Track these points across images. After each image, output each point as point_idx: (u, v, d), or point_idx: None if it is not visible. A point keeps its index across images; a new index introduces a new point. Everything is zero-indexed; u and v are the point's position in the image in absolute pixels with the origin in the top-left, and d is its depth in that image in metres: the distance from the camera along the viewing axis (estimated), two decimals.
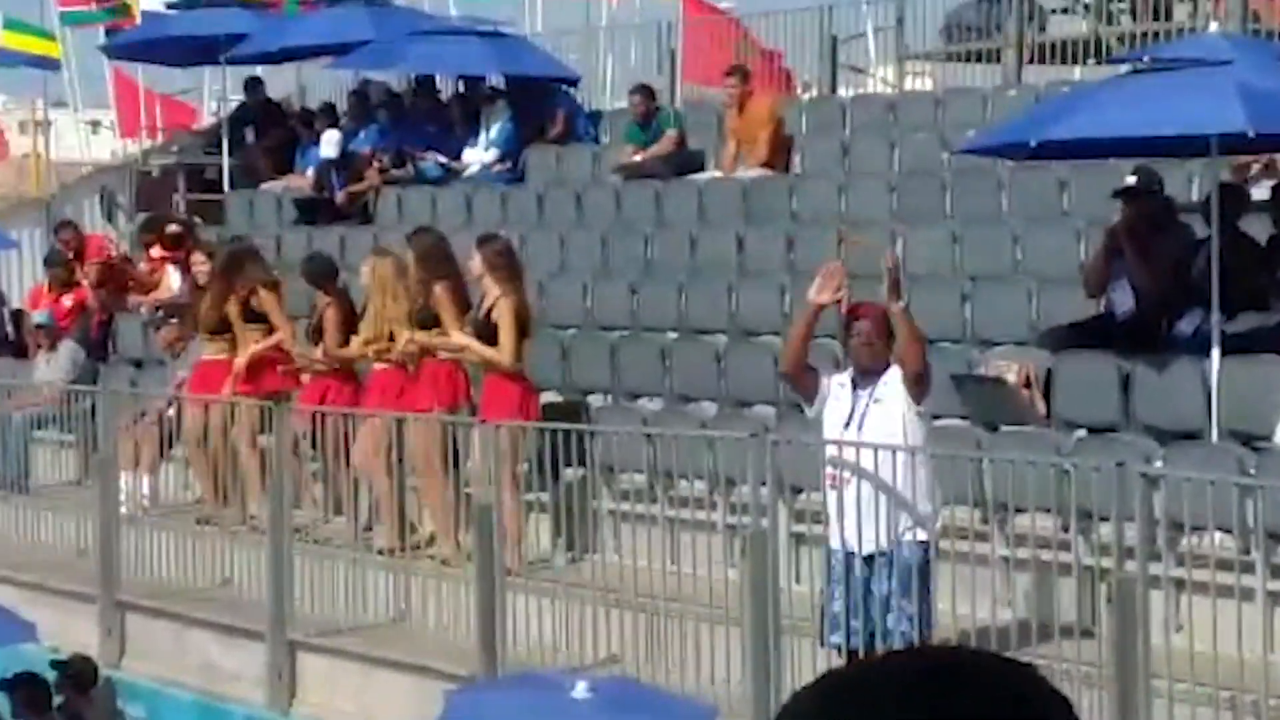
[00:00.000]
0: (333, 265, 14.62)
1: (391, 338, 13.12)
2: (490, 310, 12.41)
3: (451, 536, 12.44)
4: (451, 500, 12.49)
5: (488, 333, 12.38)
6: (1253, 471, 9.69)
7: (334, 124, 20.20)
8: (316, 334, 13.89)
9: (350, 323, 13.67)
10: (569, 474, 11.94)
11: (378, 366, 13.38)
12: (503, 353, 12.27)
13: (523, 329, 12.41)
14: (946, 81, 19.50)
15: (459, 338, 12.54)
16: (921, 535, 9.41)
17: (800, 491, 11.17)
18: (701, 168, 17.65)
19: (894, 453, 9.43)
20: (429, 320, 12.85)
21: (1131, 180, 11.94)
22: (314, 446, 13.36)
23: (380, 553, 12.67)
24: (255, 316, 14.46)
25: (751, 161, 16.95)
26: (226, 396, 14.19)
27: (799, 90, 20.06)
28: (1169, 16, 18.00)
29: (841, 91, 19.79)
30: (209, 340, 14.71)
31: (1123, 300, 11.54)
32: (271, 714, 12.40)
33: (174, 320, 16.17)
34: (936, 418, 11.73)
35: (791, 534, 11.13)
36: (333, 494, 13.44)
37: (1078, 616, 9.62)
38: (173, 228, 18.14)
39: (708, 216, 16.39)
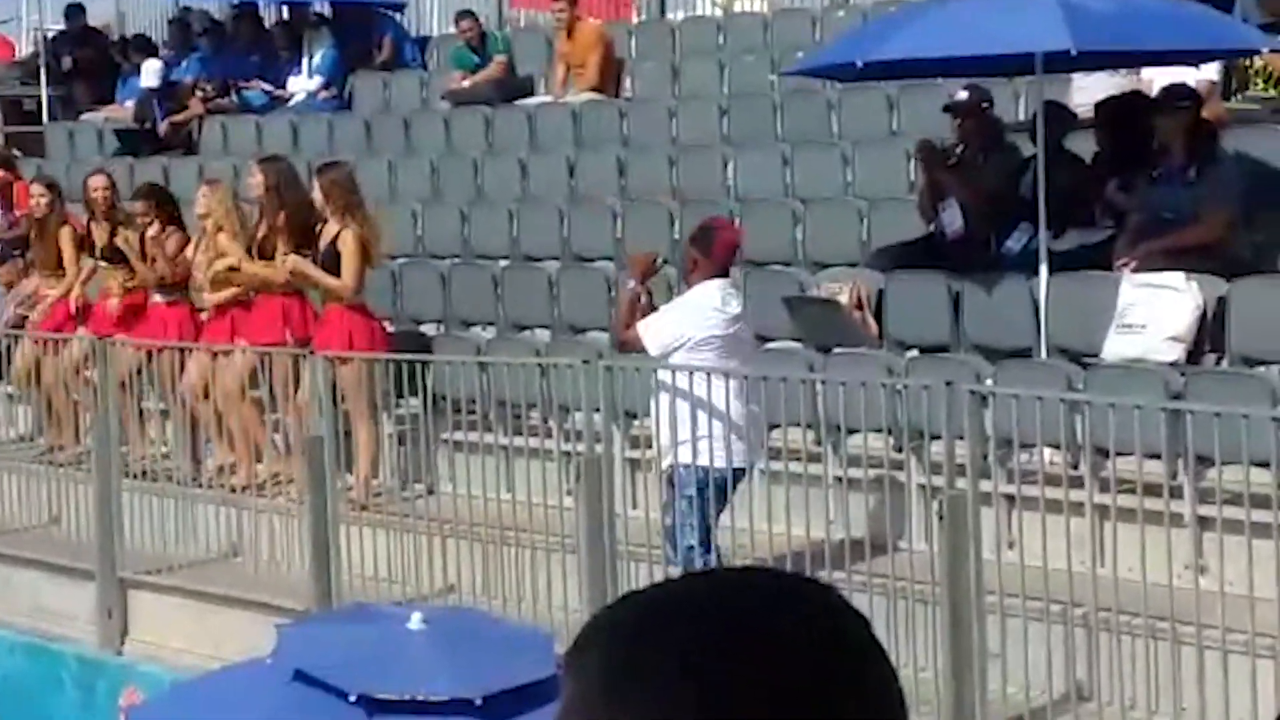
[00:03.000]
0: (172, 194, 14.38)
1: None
2: (334, 239, 12.24)
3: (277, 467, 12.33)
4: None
5: (330, 262, 12.21)
6: (1080, 388, 9.80)
7: (154, 53, 19.80)
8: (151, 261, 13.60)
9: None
10: (403, 405, 11.84)
11: (210, 297, 13.13)
12: (345, 281, 12.10)
13: (365, 259, 12.27)
14: (774, 3, 19.46)
15: (305, 266, 12.28)
16: (698, 459, 9.51)
17: (635, 417, 11.15)
18: (531, 93, 17.51)
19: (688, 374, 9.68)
20: (270, 251, 12.65)
21: (964, 95, 12.00)
22: (151, 383, 13.15)
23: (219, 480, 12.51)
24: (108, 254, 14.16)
25: (581, 86, 16.84)
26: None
27: (635, 11, 19.92)
28: None
29: (670, 15, 19.71)
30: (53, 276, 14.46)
31: (952, 219, 11.62)
32: (103, 653, 12.21)
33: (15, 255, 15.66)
34: (769, 340, 11.79)
35: (626, 459, 11.11)
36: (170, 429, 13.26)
37: (910, 534, 9.70)
38: None
39: (538, 142, 16.27)
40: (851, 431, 9.87)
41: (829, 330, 11.49)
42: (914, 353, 11.21)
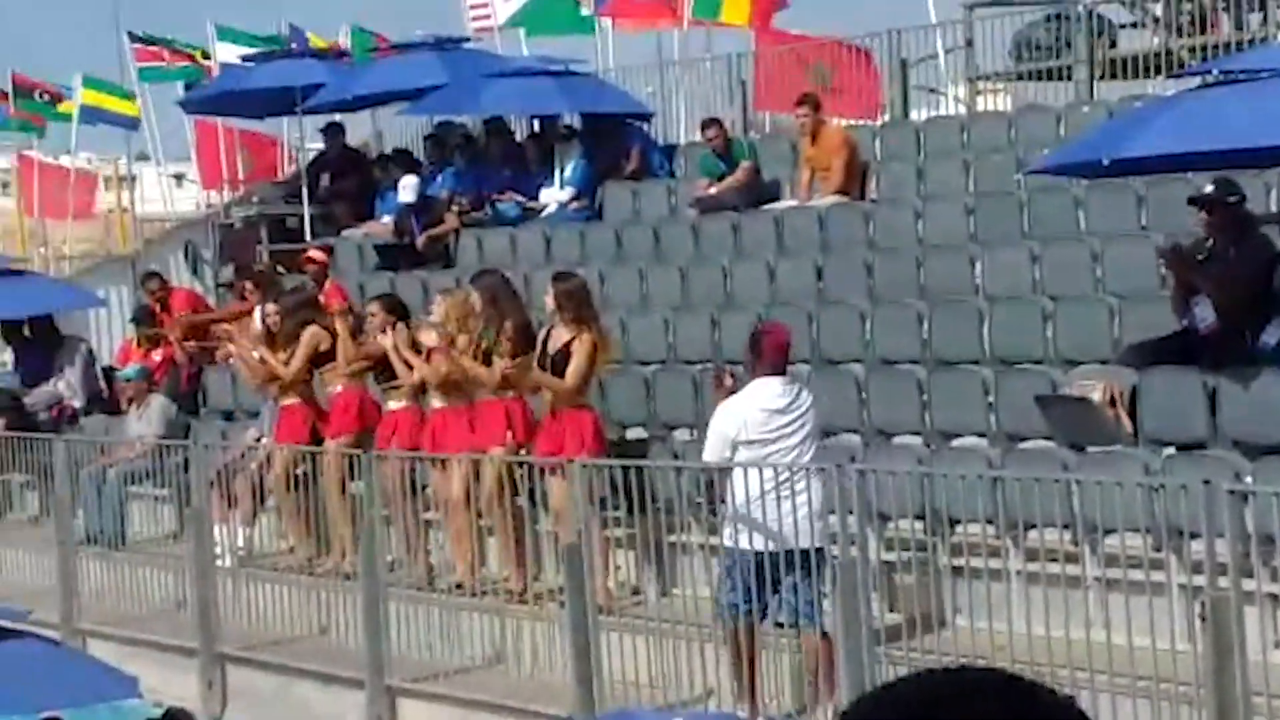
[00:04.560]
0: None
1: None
2: (567, 345, 12.57)
3: (521, 573, 12.57)
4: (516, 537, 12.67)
5: (557, 368, 12.55)
6: None
7: (411, 169, 20.36)
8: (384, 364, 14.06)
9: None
10: (652, 508, 11.99)
11: (436, 404, 13.54)
12: (569, 382, 12.42)
13: (593, 364, 12.57)
14: (1019, 101, 19.48)
15: (536, 373, 12.63)
16: (724, 540, 10.71)
17: (888, 519, 11.19)
18: (777, 198, 17.70)
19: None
20: (488, 360, 13.01)
21: (1210, 189, 11.84)
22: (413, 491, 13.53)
23: (459, 588, 12.81)
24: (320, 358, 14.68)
25: (827, 189, 16.99)
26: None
27: (880, 113, 20.04)
28: (1240, 27, 17.92)
29: (914, 114, 19.81)
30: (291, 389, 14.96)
31: (1204, 315, 11.49)
32: None
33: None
34: (1022, 439, 11.78)
35: (883, 562, 11.15)
36: (409, 537, 13.59)
37: (1172, 635, 9.59)
38: (248, 282, 18.30)
39: (785, 246, 16.43)
40: (1108, 531, 9.82)
41: (1082, 429, 11.43)
42: (1170, 450, 11.10)
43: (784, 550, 10.47)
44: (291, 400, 14.99)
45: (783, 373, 10.94)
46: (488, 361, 13.01)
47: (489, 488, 12.82)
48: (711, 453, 10.95)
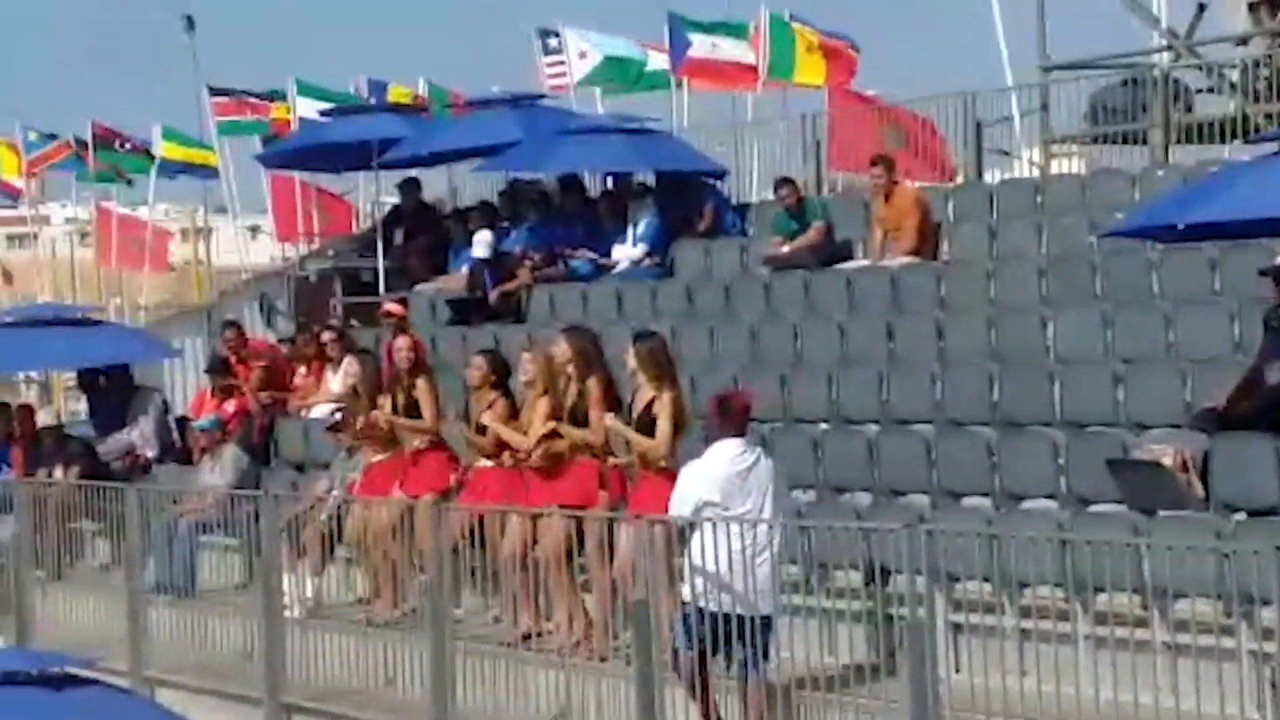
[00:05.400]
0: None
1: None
2: (649, 405, 12.53)
3: (598, 630, 12.56)
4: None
5: (642, 428, 12.50)
6: None
7: (486, 224, 20.48)
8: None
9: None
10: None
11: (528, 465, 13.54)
12: (660, 444, 12.39)
13: (678, 425, 12.51)
14: (1093, 164, 19.45)
15: (621, 428, 12.64)
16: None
17: (957, 580, 11.15)
18: (849, 257, 17.72)
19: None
20: (581, 417, 13.00)
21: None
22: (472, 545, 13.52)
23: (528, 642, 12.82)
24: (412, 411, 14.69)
25: (899, 250, 17.00)
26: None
27: (954, 163, 20.05)
28: None
29: (988, 177, 19.80)
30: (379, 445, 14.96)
31: (1274, 373, 11.39)
32: None
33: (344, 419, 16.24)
34: (1091, 503, 11.73)
35: (949, 623, 11.10)
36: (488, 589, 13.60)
37: (1241, 703, 9.50)
38: (329, 334, 18.42)
39: (857, 306, 16.44)
40: (1178, 596, 9.75)
41: (1153, 493, 11.38)
42: (1241, 515, 11.04)
43: (740, 615, 10.72)
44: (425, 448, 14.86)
45: (743, 434, 11.33)
46: (574, 420, 13.00)
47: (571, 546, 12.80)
48: (677, 511, 11.31)
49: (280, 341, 20.58)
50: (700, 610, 10.86)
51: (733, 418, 11.27)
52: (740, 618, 10.78)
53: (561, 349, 13.28)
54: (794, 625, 11.43)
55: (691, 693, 11.05)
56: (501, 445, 13.76)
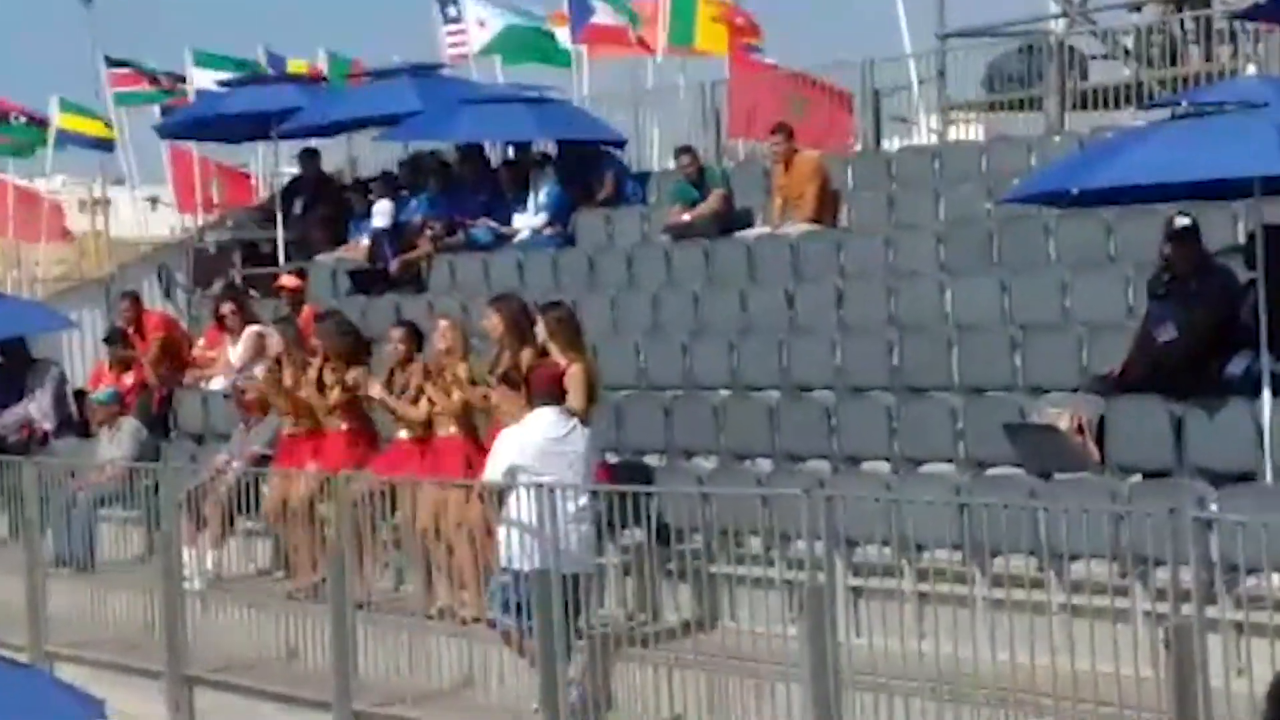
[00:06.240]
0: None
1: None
2: (516, 364, 12.71)
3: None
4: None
5: (512, 385, 12.61)
6: None
7: (387, 194, 20.39)
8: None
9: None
10: (628, 536, 12.01)
11: (443, 434, 13.52)
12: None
13: (591, 394, 12.52)
14: (990, 131, 19.58)
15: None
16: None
17: (856, 545, 11.22)
18: (749, 225, 17.76)
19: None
20: (515, 383, 12.94)
21: (1186, 222, 11.75)
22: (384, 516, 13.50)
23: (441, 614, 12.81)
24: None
25: (799, 217, 17.05)
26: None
27: (855, 127, 20.11)
28: (1209, 59, 18.04)
29: (886, 144, 19.88)
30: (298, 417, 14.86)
31: (1163, 333, 11.45)
32: None
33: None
34: (989, 466, 11.83)
35: (849, 587, 11.17)
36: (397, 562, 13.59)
37: (1136, 662, 9.62)
38: (228, 305, 18.30)
39: (757, 274, 16.49)
40: (1074, 558, 9.85)
41: (1050, 456, 11.48)
42: (1136, 478, 11.17)
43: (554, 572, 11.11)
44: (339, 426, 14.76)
45: (559, 403, 11.89)
46: (507, 383, 12.95)
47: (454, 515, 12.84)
48: (490, 475, 11.89)
49: (191, 310, 20.43)
50: (515, 573, 11.36)
51: (543, 387, 11.91)
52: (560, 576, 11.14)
53: (493, 321, 13.23)
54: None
55: (520, 654, 11.49)
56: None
